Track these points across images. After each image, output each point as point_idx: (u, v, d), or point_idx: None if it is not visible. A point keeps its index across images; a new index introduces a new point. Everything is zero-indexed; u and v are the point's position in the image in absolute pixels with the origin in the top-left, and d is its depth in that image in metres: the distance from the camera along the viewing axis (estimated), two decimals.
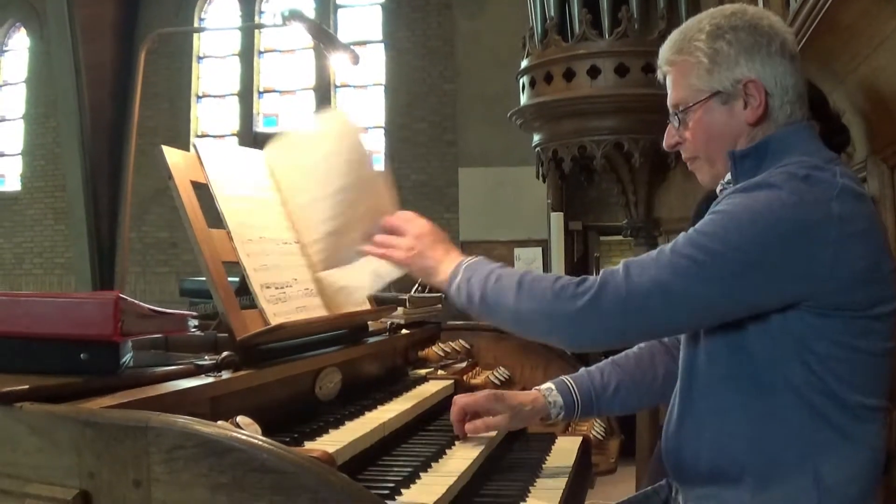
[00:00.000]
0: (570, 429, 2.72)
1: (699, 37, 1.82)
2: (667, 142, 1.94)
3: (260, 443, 1.17)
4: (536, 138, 6.07)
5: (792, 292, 1.63)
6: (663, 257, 1.67)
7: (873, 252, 1.66)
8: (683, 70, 1.85)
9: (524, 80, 5.94)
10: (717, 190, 1.88)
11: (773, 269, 1.61)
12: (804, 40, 2.60)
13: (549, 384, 2.17)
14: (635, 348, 2.22)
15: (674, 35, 1.90)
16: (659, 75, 1.95)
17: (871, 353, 1.67)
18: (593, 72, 5.53)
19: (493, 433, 2.14)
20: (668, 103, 1.91)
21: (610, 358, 2.21)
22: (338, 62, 4.55)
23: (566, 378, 2.17)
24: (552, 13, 5.71)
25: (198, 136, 12.19)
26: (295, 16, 4.22)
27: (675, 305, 1.65)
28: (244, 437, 1.18)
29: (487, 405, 2.09)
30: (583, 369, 2.21)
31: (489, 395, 2.12)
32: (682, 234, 1.69)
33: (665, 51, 1.90)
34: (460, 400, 2.11)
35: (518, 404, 2.10)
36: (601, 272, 1.71)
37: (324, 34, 4.56)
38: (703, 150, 1.87)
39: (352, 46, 4.67)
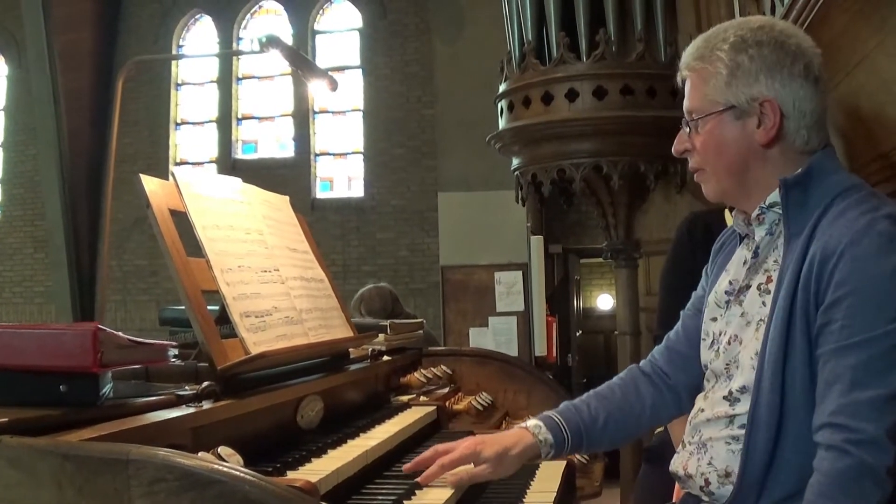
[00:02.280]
0: None
1: (722, 46, 1.79)
2: (676, 147, 1.90)
3: (242, 475, 1.17)
4: (515, 162, 6.06)
5: None
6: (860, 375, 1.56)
7: None
8: (702, 78, 1.82)
9: (502, 104, 5.94)
10: (755, 215, 1.83)
11: None
12: None
13: (535, 421, 1.99)
14: (617, 379, 2.14)
15: (697, 40, 1.86)
16: (679, 79, 1.91)
17: None
18: (571, 95, 5.52)
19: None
20: (684, 109, 1.87)
21: (593, 391, 2.10)
22: (316, 88, 4.56)
23: (552, 414, 2.01)
24: (530, 37, 5.72)
25: (177, 164, 12.16)
26: (273, 42, 4.23)
27: None
28: (226, 470, 1.17)
29: (470, 457, 1.90)
30: (567, 403, 2.07)
31: (471, 446, 1.92)
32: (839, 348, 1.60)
33: (687, 55, 1.87)
34: (443, 460, 1.90)
35: (503, 449, 1.91)
36: (838, 436, 1.56)
37: (302, 60, 4.57)
38: (711, 162, 1.84)
39: (330, 72, 4.68)
